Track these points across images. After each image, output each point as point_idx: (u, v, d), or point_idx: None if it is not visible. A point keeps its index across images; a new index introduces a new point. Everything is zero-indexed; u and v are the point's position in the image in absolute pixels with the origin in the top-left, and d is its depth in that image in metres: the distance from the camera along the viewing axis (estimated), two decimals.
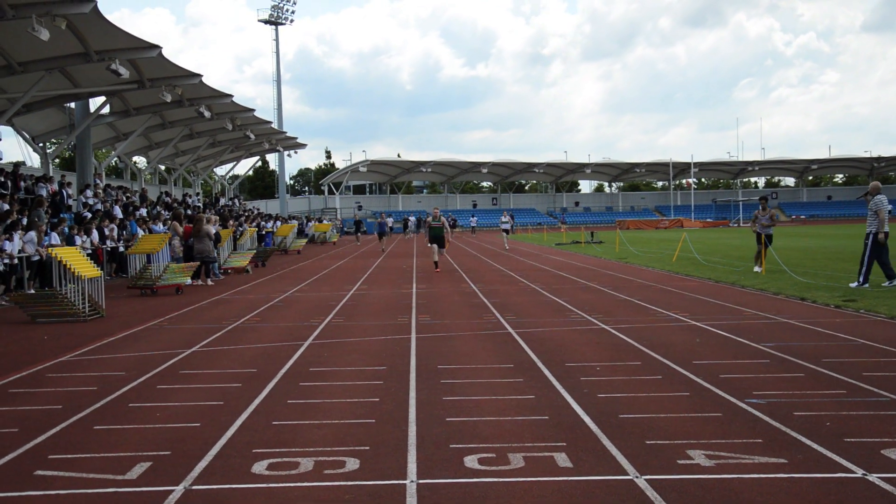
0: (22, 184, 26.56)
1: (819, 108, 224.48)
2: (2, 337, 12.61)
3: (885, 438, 5.80)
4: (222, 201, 53.42)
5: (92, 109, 32.79)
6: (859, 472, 5.08)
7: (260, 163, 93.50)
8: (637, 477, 5.06)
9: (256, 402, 7.41)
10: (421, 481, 5.07)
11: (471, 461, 5.46)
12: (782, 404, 6.83)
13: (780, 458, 5.39)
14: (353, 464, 5.46)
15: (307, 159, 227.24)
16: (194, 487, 5.06)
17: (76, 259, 14.71)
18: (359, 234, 54.56)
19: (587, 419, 6.49)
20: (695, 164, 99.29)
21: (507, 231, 42.96)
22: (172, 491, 4.99)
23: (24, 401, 7.76)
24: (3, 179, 25.59)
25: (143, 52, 26.62)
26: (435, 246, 24.67)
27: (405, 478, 5.15)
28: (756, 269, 20.64)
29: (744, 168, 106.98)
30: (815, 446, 5.64)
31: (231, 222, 33.33)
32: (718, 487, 4.86)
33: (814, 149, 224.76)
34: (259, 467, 5.43)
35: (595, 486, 4.93)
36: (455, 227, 74.23)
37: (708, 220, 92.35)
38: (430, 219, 25.30)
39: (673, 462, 5.34)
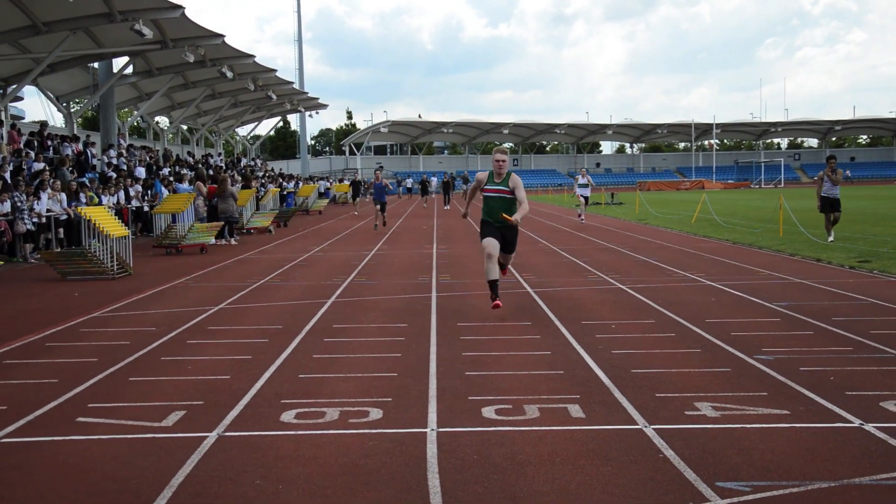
0: (49, 143, 26.95)
1: (844, 68, 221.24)
2: (35, 294, 12.99)
3: (884, 391, 6.03)
4: (244, 161, 53.69)
5: (115, 70, 33.02)
6: (857, 422, 5.32)
7: (281, 123, 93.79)
8: (646, 426, 5.32)
9: (283, 356, 7.70)
10: (441, 430, 5.35)
11: (488, 411, 5.73)
12: (790, 360, 7.05)
13: (783, 410, 5.63)
14: (376, 413, 5.74)
15: (328, 120, 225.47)
16: (227, 434, 5.37)
17: (104, 218, 15.03)
18: (357, 199, 42.79)
19: (601, 373, 6.75)
20: (717, 124, 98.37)
21: (585, 197, 28.56)
22: (207, 437, 5.29)
23: (61, 354, 8.09)
24: (30, 139, 26.00)
25: (165, 13, 26.74)
26: (494, 242, 9.65)
27: (426, 426, 5.43)
28: (830, 239, 17.91)
29: (766, 129, 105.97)
30: (817, 399, 5.87)
31: (254, 182, 33.61)
32: (722, 436, 5.11)
33: (838, 109, 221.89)
34: (287, 416, 5.73)
35: (605, 435, 5.19)
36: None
37: (729, 181, 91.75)
38: (480, 175, 9.97)
39: (681, 413, 5.60)
